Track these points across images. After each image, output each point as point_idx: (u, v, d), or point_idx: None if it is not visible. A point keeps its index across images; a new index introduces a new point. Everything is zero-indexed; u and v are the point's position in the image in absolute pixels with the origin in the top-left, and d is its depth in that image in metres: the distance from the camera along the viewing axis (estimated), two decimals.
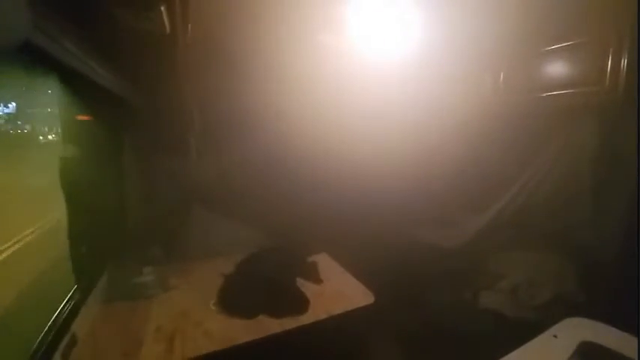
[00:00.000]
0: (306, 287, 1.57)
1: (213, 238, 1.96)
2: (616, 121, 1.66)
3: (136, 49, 1.16)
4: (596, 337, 0.79)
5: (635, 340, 0.75)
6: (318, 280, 1.66)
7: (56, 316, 1.13)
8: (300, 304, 1.43)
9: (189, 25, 1.20)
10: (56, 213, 4.62)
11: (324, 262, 1.88)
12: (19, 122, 15.47)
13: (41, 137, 14.23)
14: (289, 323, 1.32)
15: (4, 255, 3.89)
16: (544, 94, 1.77)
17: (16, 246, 4.16)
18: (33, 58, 0.75)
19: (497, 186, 2.17)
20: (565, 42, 1.66)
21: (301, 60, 2.08)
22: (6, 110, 14.53)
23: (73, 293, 1.27)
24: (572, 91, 1.65)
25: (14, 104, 14.35)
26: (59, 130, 1.37)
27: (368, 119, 2.44)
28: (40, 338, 1.03)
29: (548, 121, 1.92)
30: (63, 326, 1.07)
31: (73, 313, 1.16)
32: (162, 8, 0.96)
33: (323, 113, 2.29)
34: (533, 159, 1.97)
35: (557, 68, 1.73)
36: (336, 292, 1.57)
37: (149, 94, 1.59)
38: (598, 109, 1.67)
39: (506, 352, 0.78)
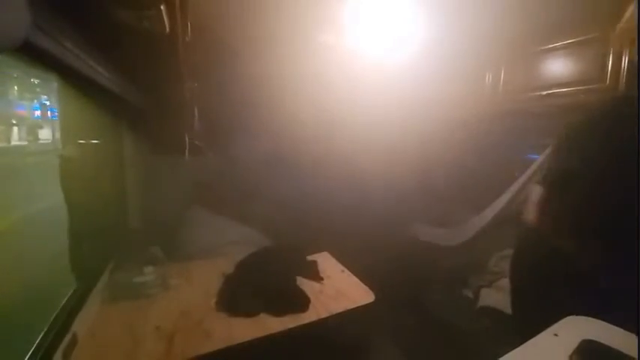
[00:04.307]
0: (307, 286, 1.57)
1: (213, 237, 1.96)
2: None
3: (135, 49, 1.16)
4: (597, 335, 0.79)
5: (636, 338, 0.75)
6: (318, 279, 1.66)
7: (57, 316, 1.14)
8: (301, 302, 1.43)
9: (189, 24, 1.20)
10: None
11: (325, 260, 1.88)
12: None
13: None
14: (290, 322, 1.32)
15: None
16: (545, 93, 1.77)
17: None
18: (33, 58, 0.74)
19: (498, 184, 2.17)
20: (566, 40, 1.66)
21: (302, 59, 2.08)
22: None
23: (73, 293, 1.27)
24: (572, 89, 1.65)
25: None
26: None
27: (368, 119, 2.44)
28: (40, 338, 1.03)
29: (548, 120, 1.92)
30: (64, 326, 1.07)
31: (74, 312, 1.16)
32: (162, 7, 0.96)
33: (323, 112, 2.29)
34: (534, 157, 1.97)
35: (557, 66, 1.73)
36: (337, 290, 1.57)
37: (149, 94, 1.59)
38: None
39: (507, 351, 0.78)
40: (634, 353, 0.71)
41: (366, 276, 1.68)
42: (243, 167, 2.28)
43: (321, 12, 1.73)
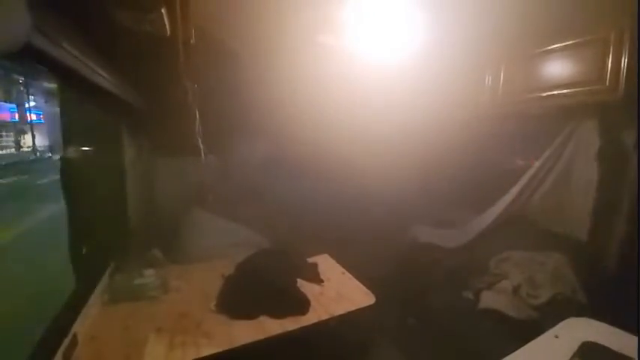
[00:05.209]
0: (307, 288, 1.57)
1: (213, 239, 1.96)
2: (617, 121, 1.66)
3: (136, 52, 1.16)
4: (598, 337, 0.79)
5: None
6: (318, 281, 1.66)
7: (57, 317, 1.14)
8: (301, 305, 1.42)
9: (190, 27, 1.20)
10: None
11: (325, 262, 1.88)
12: None
13: None
14: (290, 324, 1.31)
15: None
16: (544, 94, 1.77)
17: None
18: (33, 61, 0.75)
19: (498, 186, 2.17)
20: (565, 41, 1.66)
21: (302, 61, 2.09)
22: None
23: (74, 294, 1.27)
24: (572, 90, 1.65)
25: None
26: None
27: (368, 120, 2.44)
28: (41, 339, 1.03)
29: (548, 121, 1.92)
30: (64, 327, 1.08)
31: (75, 314, 1.16)
32: (163, 10, 0.96)
33: (324, 114, 2.30)
34: (534, 159, 1.97)
35: (557, 68, 1.73)
36: (337, 292, 1.57)
37: (150, 96, 1.59)
38: (599, 109, 1.67)
39: (508, 353, 0.78)
40: (634, 354, 0.71)
41: (366, 278, 1.67)
42: (243, 169, 2.28)
43: (322, 14, 1.74)
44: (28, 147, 14.89)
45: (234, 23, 1.71)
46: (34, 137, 14.75)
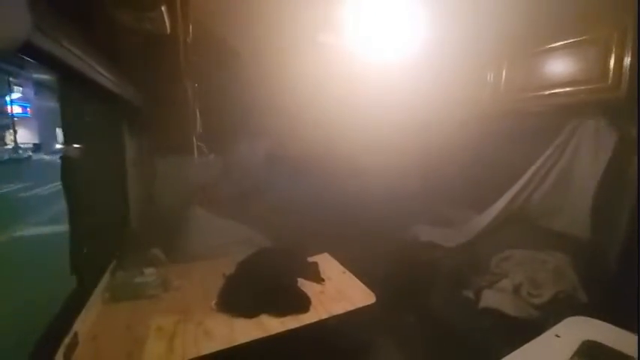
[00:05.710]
0: (308, 287, 1.57)
1: (214, 238, 1.96)
2: (618, 119, 1.66)
3: (136, 50, 1.16)
4: (599, 336, 0.79)
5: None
6: (319, 280, 1.66)
7: (58, 316, 1.14)
8: (302, 303, 1.42)
9: (190, 25, 1.20)
10: None
11: (326, 261, 1.88)
12: None
13: None
14: (290, 323, 1.31)
15: None
16: (546, 92, 1.77)
17: None
18: (34, 59, 0.75)
19: (499, 185, 2.16)
20: (568, 39, 1.66)
21: (303, 60, 2.09)
22: None
23: (74, 293, 1.27)
24: (574, 88, 1.64)
25: None
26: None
27: (369, 119, 2.44)
28: (41, 338, 1.03)
29: (550, 120, 1.92)
30: (65, 326, 1.08)
31: (75, 313, 1.16)
32: (163, 9, 0.96)
33: (324, 113, 2.29)
34: (535, 158, 1.96)
35: (559, 66, 1.72)
36: (338, 291, 1.57)
37: (150, 95, 1.59)
38: (601, 107, 1.66)
39: (508, 352, 0.78)
40: (635, 353, 0.70)
41: (367, 277, 1.67)
42: (243, 168, 2.28)
43: (322, 13, 1.73)
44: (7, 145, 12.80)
45: (235, 21, 1.71)
46: (15, 133, 12.53)
